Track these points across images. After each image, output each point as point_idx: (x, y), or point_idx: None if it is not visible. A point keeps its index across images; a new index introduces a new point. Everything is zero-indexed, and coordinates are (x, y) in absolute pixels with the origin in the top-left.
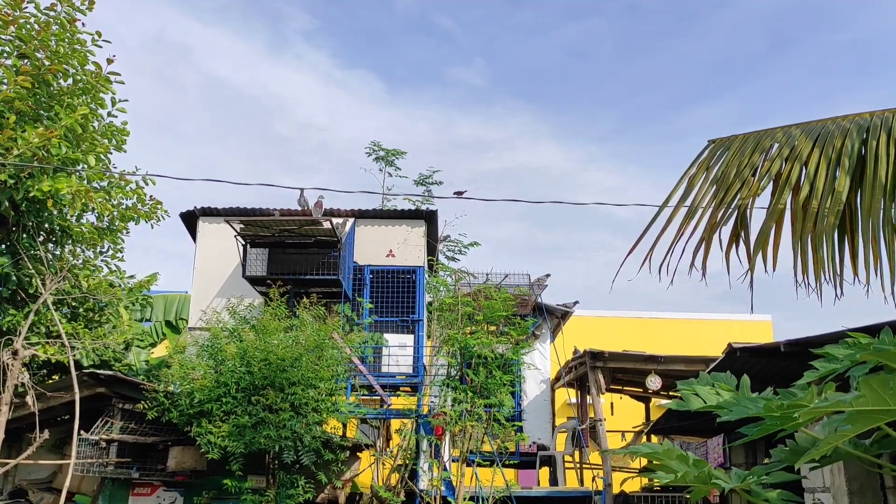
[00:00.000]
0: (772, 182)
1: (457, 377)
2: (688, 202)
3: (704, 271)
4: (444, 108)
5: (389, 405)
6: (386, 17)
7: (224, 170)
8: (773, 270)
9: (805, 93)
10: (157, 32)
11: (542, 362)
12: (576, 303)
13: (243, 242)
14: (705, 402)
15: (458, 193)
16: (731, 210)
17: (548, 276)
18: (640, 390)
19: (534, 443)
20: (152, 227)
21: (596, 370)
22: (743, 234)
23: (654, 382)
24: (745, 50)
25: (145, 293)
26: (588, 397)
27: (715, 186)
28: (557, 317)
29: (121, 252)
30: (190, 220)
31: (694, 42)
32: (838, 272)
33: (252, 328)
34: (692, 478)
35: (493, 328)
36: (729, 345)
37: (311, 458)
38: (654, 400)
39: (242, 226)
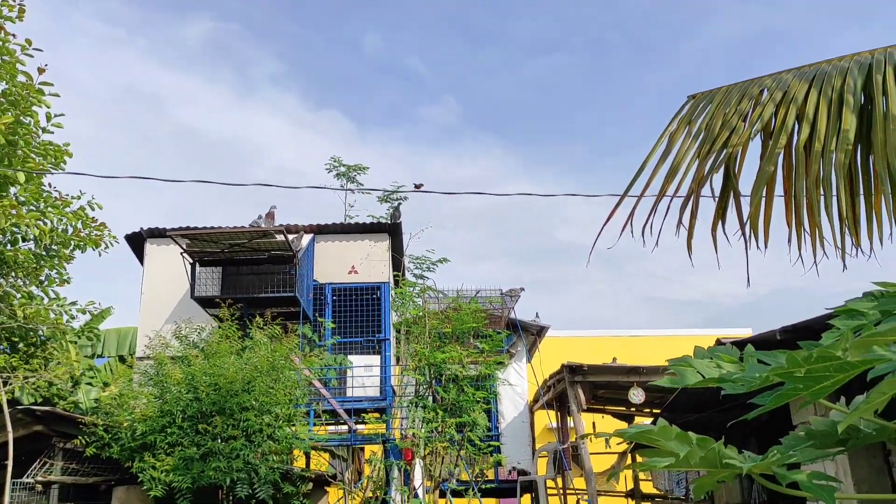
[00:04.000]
0: (762, 132)
1: (426, 395)
2: (670, 159)
3: (691, 234)
4: (417, 146)
5: (355, 431)
6: (354, 60)
7: (202, 215)
8: (766, 241)
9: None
10: (127, 84)
11: (518, 382)
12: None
13: (191, 261)
14: (703, 377)
15: (417, 186)
16: (719, 161)
17: (521, 289)
18: (623, 408)
19: (513, 468)
20: (100, 254)
21: (575, 385)
22: (733, 195)
23: (637, 396)
24: (709, 79)
25: (95, 331)
26: (569, 417)
27: (699, 139)
28: (533, 334)
29: (67, 282)
30: (137, 242)
31: (658, 72)
32: (847, 221)
33: (201, 351)
34: (698, 460)
35: (463, 344)
36: (717, 340)
37: (269, 492)
38: (637, 419)
39: (188, 241)
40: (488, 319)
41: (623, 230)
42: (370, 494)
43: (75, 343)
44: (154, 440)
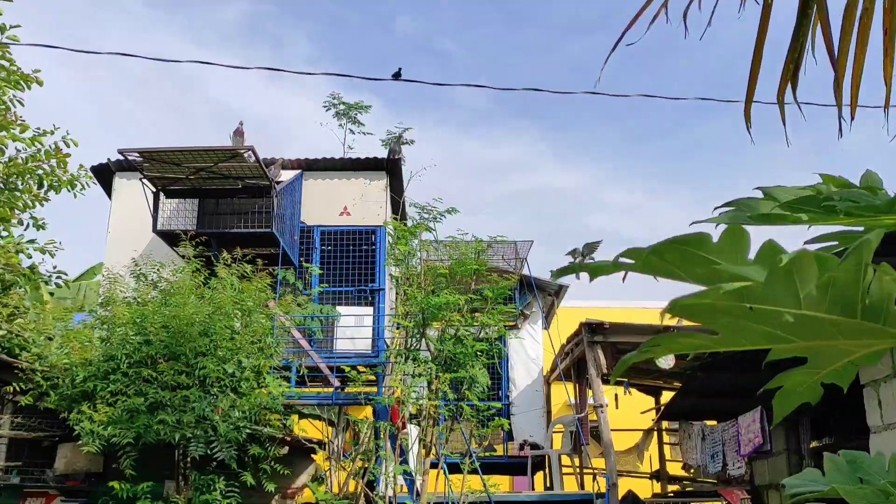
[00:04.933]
0: None
1: (416, 348)
2: None
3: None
4: (449, 129)
5: (339, 389)
6: (387, 43)
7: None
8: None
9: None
10: (163, 63)
11: (533, 348)
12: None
13: (153, 189)
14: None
15: (396, 75)
16: None
17: (531, 242)
18: (650, 380)
19: (524, 442)
20: (75, 196)
21: (595, 347)
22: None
23: (666, 361)
24: (747, 61)
25: (63, 277)
26: (588, 391)
27: None
28: (550, 294)
29: (42, 227)
30: (105, 176)
31: (694, 56)
32: None
33: (159, 291)
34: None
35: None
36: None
37: (230, 454)
38: (665, 397)
39: (146, 164)
40: (498, 274)
41: (657, 16)
42: (360, 464)
43: (52, 294)
44: (95, 388)
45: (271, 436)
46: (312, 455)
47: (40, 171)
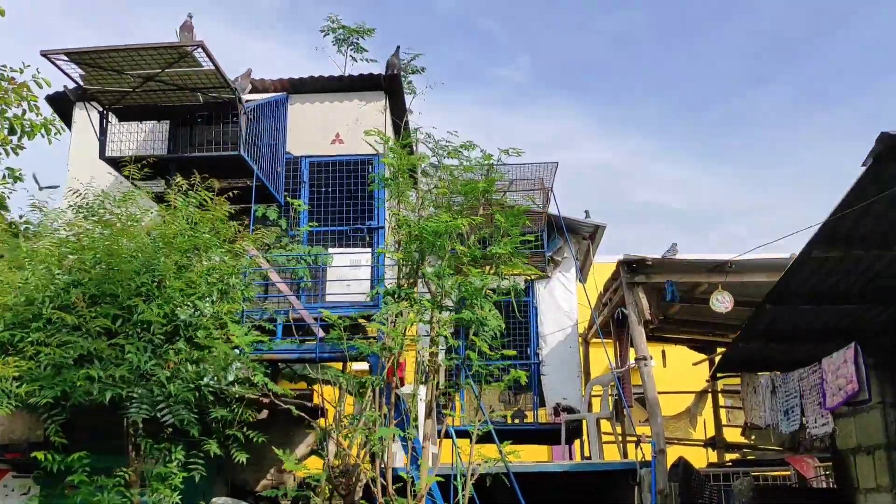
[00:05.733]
0: None
1: (411, 284)
2: None
3: None
4: (489, 107)
5: (322, 339)
6: (428, 21)
7: None
8: None
9: (857, 71)
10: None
11: (566, 299)
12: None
13: (99, 109)
14: None
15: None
16: None
17: (556, 163)
18: (701, 333)
19: (557, 406)
20: (49, 141)
21: (635, 289)
22: None
23: (722, 303)
24: (791, 32)
25: None
26: (629, 344)
27: None
28: (585, 237)
29: (19, 179)
30: (63, 106)
31: (735, 27)
32: None
33: (97, 222)
34: None
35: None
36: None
37: (185, 417)
38: (719, 353)
39: (81, 72)
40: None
41: None
42: (359, 439)
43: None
44: (11, 338)
45: (239, 395)
46: (312, 424)
47: (10, 114)
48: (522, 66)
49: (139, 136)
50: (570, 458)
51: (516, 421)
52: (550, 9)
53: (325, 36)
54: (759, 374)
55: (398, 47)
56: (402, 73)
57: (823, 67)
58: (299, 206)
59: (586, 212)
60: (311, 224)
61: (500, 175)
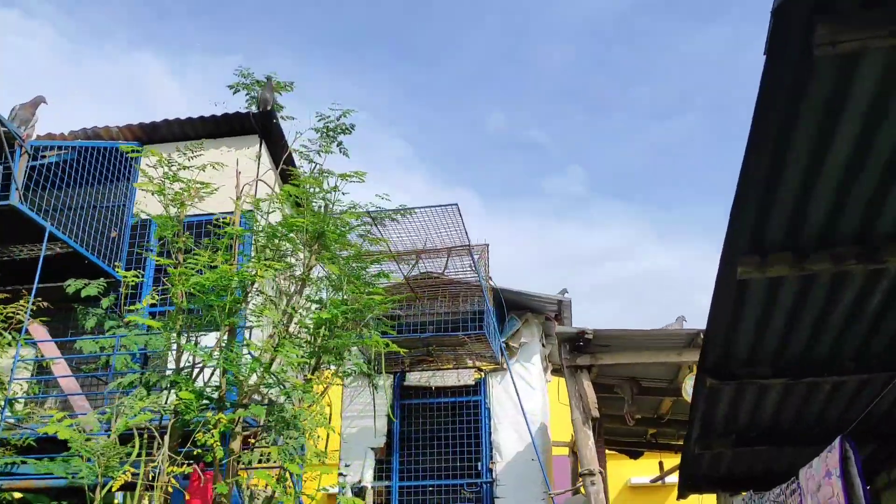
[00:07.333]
0: None
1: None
2: None
3: None
4: (544, 218)
5: None
6: (478, 138)
7: None
8: None
9: None
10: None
11: (529, 397)
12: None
13: None
14: None
15: None
16: None
17: (455, 205)
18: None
19: None
20: None
21: (577, 375)
22: None
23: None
24: None
25: None
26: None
27: None
28: (549, 317)
29: None
30: None
31: None
32: None
33: None
34: None
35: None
36: None
37: None
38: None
39: None
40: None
41: None
42: None
43: None
44: None
45: None
46: None
47: None
48: (574, 176)
49: None
50: None
51: None
52: (593, 120)
53: (235, 93)
54: (732, 495)
55: (269, 78)
56: (279, 115)
57: None
58: (130, 279)
59: (563, 290)
60: (147, 299)
61: (354, 214)
